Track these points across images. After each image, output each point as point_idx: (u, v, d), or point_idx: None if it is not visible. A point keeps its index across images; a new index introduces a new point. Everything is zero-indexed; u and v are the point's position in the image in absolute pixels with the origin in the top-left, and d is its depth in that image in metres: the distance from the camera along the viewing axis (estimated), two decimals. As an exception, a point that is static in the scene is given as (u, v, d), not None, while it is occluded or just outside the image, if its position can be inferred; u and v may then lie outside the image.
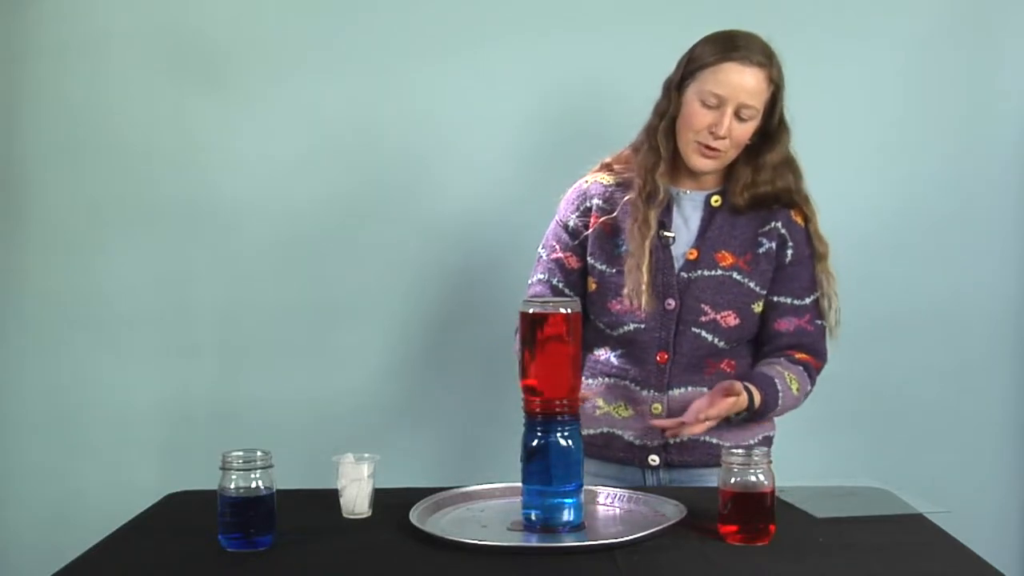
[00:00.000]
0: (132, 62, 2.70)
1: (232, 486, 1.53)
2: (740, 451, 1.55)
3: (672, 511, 1.65)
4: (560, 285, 2.08)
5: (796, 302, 2.03)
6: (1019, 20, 2.69)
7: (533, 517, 1.60)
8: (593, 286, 2.05)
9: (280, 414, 2.71)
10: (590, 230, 2.06)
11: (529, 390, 1.60)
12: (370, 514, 1.69)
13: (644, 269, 1.95)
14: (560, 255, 2.09)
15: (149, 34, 2.70)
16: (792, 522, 1.62)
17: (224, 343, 2.75)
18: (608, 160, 2.12)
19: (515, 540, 1.57)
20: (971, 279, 2.72)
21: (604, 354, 2.06)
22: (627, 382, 2.02)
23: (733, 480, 1.54)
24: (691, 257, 2.01)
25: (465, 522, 1.65)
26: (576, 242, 2.08)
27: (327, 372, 2.74)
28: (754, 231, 2.02)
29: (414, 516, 1.61)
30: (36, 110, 2.72)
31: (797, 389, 1.99)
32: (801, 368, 2.01)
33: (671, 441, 1.99)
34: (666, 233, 2.01)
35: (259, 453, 1.55)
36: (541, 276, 2.11)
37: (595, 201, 2.07)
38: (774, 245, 2.02)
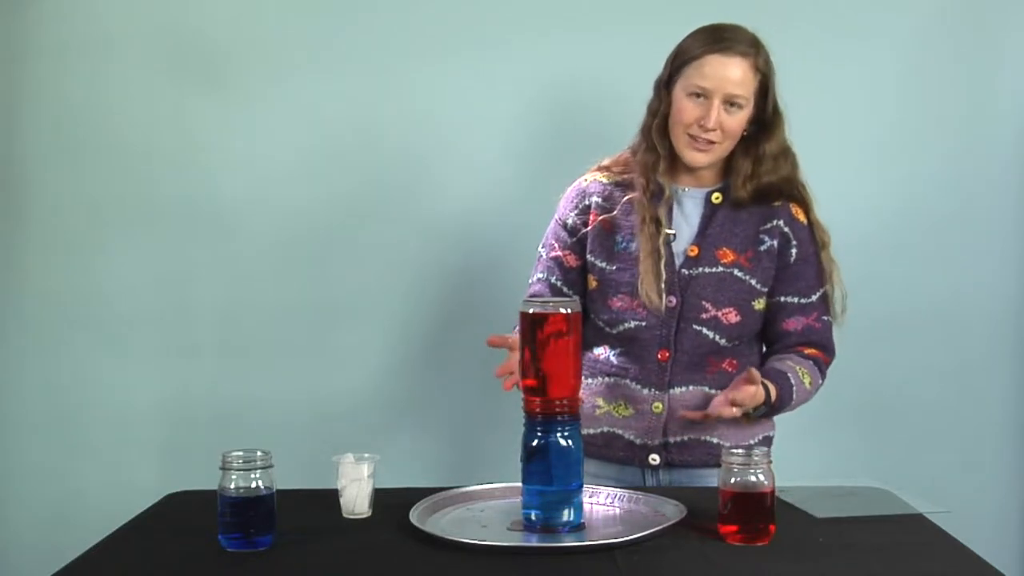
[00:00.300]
0: (132, 62, 2.70)
1: (232, 486, 1.53)
2: (740, 451, 1.55)
3: (672, 511, 1.65)
4: (559, 284, 2.08)
5: (803, 300, 2.03)
6: (1018, 19, 2.69)
7: (533, 517, 1.60)
8: (593, 284, 2.05)
9: (280, 414, 2.71)
10: (589, 228, 2.06)
11: (529, 390, 1.60)
12: (370, 514, 1.69)
13: (662, 269, 1.96)
14: (559, 254, 2.10)
15: (149, 34, 2.70)
16: (792, 522, 1.62)
17: (224, 343, 2.75)
18: (606, 163, 2.12)
19: (515, 540, 1.57)
20: (971, 279, 2.72)
21: (603, 353, 2.06)
22: (627, 381, 2.02)
23: (733, 480, 1.54)
24: (692, 254, 2.01)
25: (465, 522, 1.65)
26: (575, 240, 2.08)
27: (327, 372, 2.74)
28: (755, 228, 2.02)
29: (414, 516, 1.61)
30: (36, 110, 2.72)
31: (809, 383, 1.99)
32: (812, 363, 2.01)
33: (671, 440, 1.99)
34: (667, 231, 2.01)
35: (259, 453, 1.55)
36: (541, 275, 2.11)
37: (594, 199, 2.07)
38: (776, 243, 2.02)
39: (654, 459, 2.00)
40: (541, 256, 2.13)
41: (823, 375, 2.05)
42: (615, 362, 2.04)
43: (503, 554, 1.50)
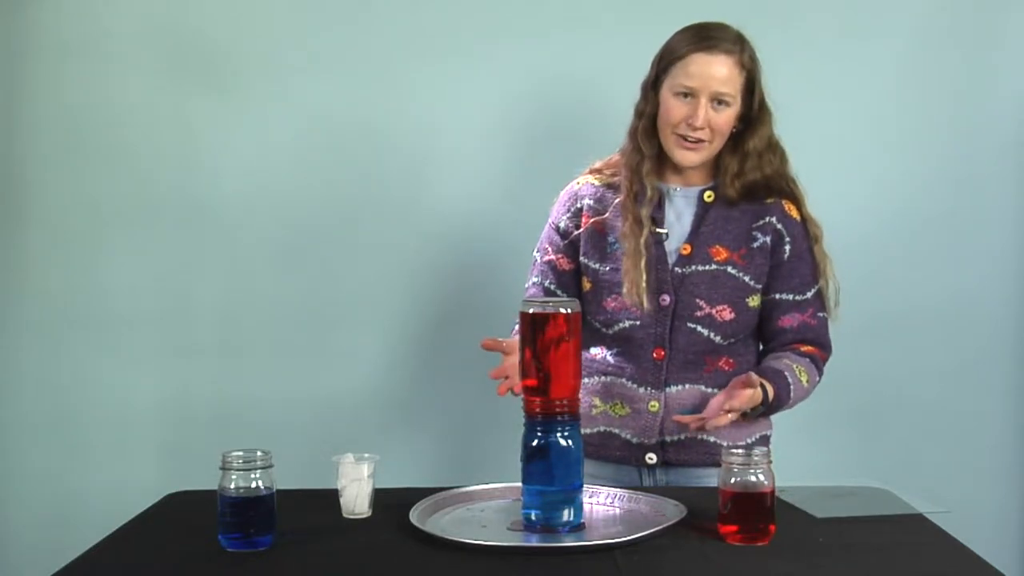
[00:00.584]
0: (132, 62, 2.70)
1: (232, 486, 1.53)
2: (740, 451, 1.55)
3: (672, 511, 1.65)
4: (553, 287, 2.09)
5: (798, 297, 2.03)
6: (1018, 18, 2.69)
7: (533, 517, 1.60)
8: (588, 285, 2.06)
9: (280, 414, 2.71)
10: (581, 230, 2.06)
11: (529, 390, 1.61)
12: (370, 514, 1.69)
13: (642, 267, 1.96)
14: (552, 257, 2.10)
15: (149, 34, 2.70)
16: (792, 522, 1.62)
17: (224, 343, 2.75)
18: (598, 165, 2.13)
19: (515, 540, 1.57)
20: (971, 278, 2.72)
21: (600, 353, 2.06)
22: (623, 380, 2.02)
23: (733, 480, 1.54)
24: (685, 252, 2.01)
25: (465, 522, 1.65)
26: (567, 243, 2.09)
27: (327, 372, 2.74)
28: (748, 225, 2.02)
29: (414, 516, 1.61)
30: (36, 110, 2.72)
31: (807, 380, 1.99)
32: (808, 360, 2.01)
33: (668, 439, 1.99)
34: (659, 230, 2.01)
35: (259, 453, 1.55)
36: (535, 279, 2.12)
37: (586, 201, 2.08)
38: (769, 240, 2.02)
39: (651, 458, 2.00)
40: (536, 260, 2.14)
41: (820, 372, 2.05)
42: (611, 361, 2.04)
43: (503, 554, 1.50)
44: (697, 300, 1.98)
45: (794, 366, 1.98)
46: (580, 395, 1.64)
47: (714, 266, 2.00)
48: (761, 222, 2.02)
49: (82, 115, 2.71)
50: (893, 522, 1.66)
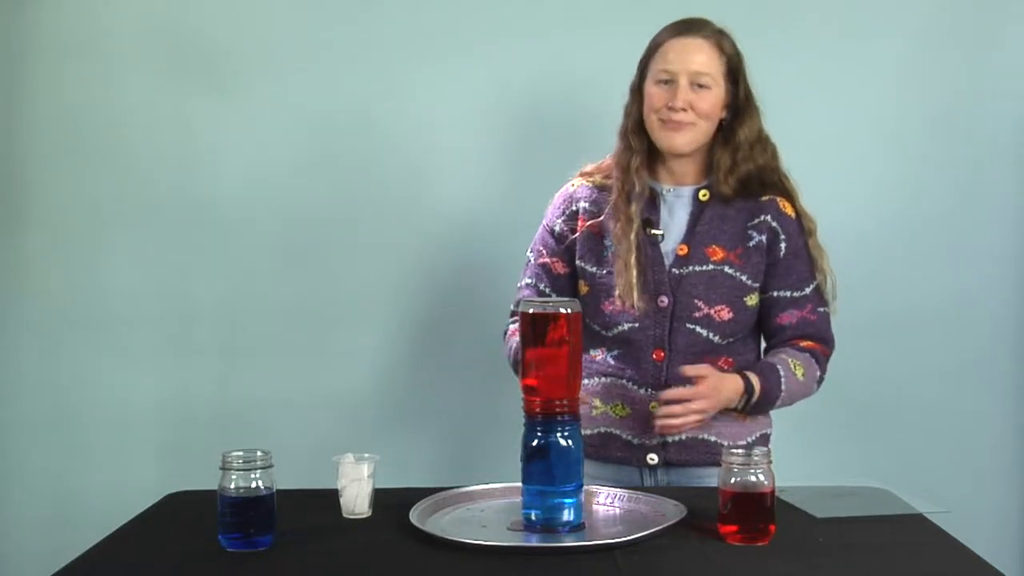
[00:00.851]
0: (132, 62, 2.70)
1: (232, 486, 1.53)
2: (740, 451, 1.55)
3: (672, 511, 1.64)
4: (547, 290, 2.09)
5: (796, 294, 2.03)
6: (1018, 18, 2.69)
7: (533, 517, 1.60)
8: (585, 289, 2.06)
9: (280, 414, 2.71)
10: (577, 233, 2.06)
11: (529, 390, 1.61)
12: (370, 514, 1.69)
13: (632, 265, 1.96)
14: (547, 260, 2.10)
15: (149, 34, 2.70)
16: (792, 522, 1.62)
17: (224, 343, 2.75)
18: (589, 169, 2.14)
19: (515, 540, 1.57)
20: (971, 278, 2.72)
21: (600, 355, 2.06)
22: (624, 381, 2.02)
23: (733, 480, 1.54)
24: (681, 253, 2.01)
25: (465, 522, 1.65)
26: (562, 247, 2.09)
27: (327, 372, 2.74)
28: (743, 224, 2.02)
29: (414, 516, 1.61)
30: (36, 110, 2.72)
31: (803, 375, 1.99)
32: (808, 355, 2.02)
33: (670, 439, 1.99)
34: (654, 231, 2.01)
35: (259, 453, 1.55)
36: (528, 281, 2.12)
37: (582, 204, 2.08)
38: (765, 238, 2.02)
39: (652, 458, 2.00)
40: (529, 261, 2.14)
41: (822, 366, 2.04)
42: (611, 363, 2.04)
43: (503, 554, 1.50)
44: (695, 301, 1.98)
45: (789, 360, 1.98)
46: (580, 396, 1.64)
47: (711, 266, 2.00)
48: (756, 220, 2.02)
49: (82, 115, 2.71)
50: (893, 522, 1.66)
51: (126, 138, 2.72)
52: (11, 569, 2.74)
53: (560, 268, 2.09)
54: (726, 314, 1.99)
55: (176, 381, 2.74)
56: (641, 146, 2.03)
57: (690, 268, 2.00)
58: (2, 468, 2.76)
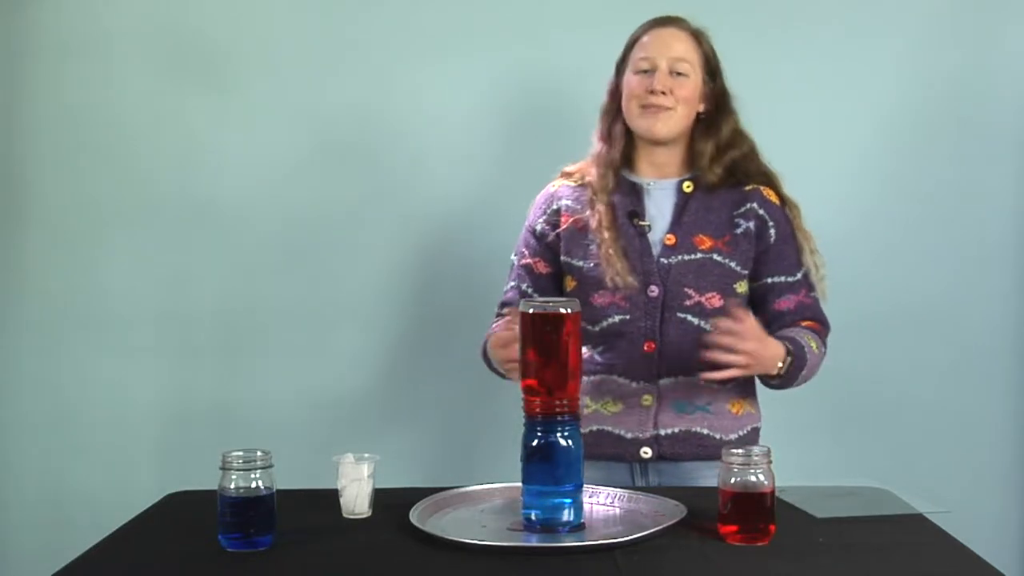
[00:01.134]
0: (132, 62, 2.70)
1: (232, 486, 1.53)
2: (740, 451, 1.55)
3: (672, 511, 1.64)
4: (529, 291, 2.10)
5: (790, 279, 2.04)
6: (1018, 17, 2.69)
7: (533, 517, 1.60)
8: (572, 284, 2.06)
9: (280, 414, 2.71)
10: (561, 229, 2.07)
11: (529, 390, 1.61)
12: (370, 514, 1.69)
13: (619, 251, 1.97)
14: (529, 261, 2.11)
15: (149, 34, 2.71)
16: (792, 522, 1.62)
17: (224, 343, 2.75)
18: (570, 170, 2.15)
19: (515, 540, 1.56)
20: (971, 278, 2.72)
21: (586, 353, 2.05)
22: (614, 376, 2.02)
23: (733, 480, 1.54)
24: (669, 243, 2.01)
25: (465, 522, 1.65)
26: (544, 247, 2.10)
27: (327, 372, 2.74)
28: (729, 213, 2.03)
29: (414, 516, 1.61)
30: (36, 110, 2.72)
31: (816, 348, 2.00)
32: (814, 333, 2.02)
33: (663, 432, 1.99)
34: (641, 222, 2.02)
35: (259, 453, 1.55)
36: (512, 283, 2.13)
37: (564, 202, 2.09)
38: (752, 225, 2.03)
39: (646, 452, 2.00)
40: (513, 264, 2.15)
41: (825, 345, 2.05)
42: (600, 360, 2.04)
43: (503, 554, 1.50)
44: (685, 289, 1.99)
45: (803, 334, 1.99)
46: None
47: (700, 255, 2.00)
48: (742, 209, 2.03)
49: (82, 115, 2.71)
50: (893, 522, 1.66)
51: (126, 138, 2.72)
52: (11, 569, 2.74)
53: (542, 268, 2.10)
54: (717, 301, 1.99)
55: (176, 381, 2.75)
56: (620, 144, 2.06)
57: (679, 257, 2.00)
58: (2, 468, 2.76)
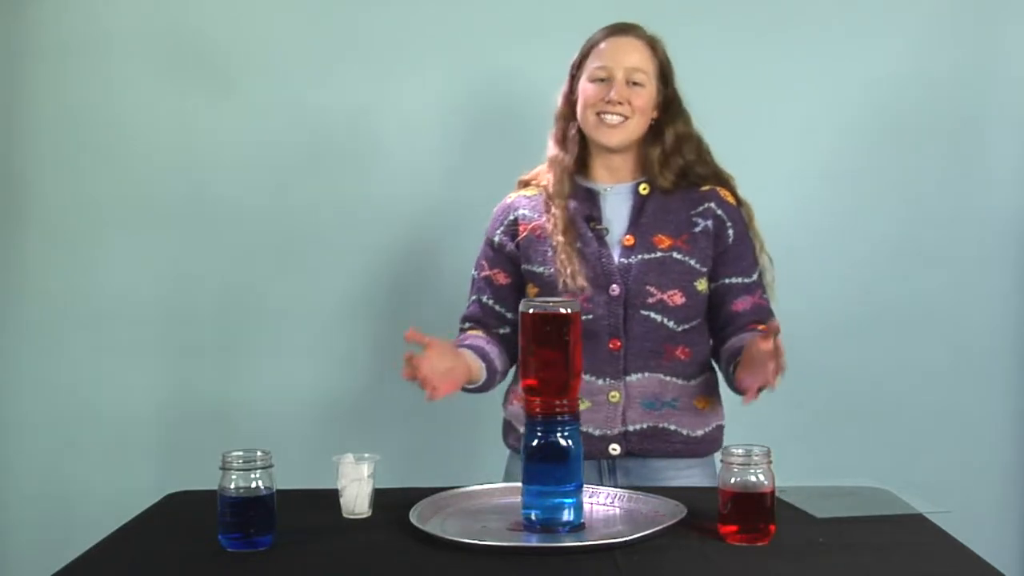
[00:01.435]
0: (132, 62, 2.70)
1: (232, 486, 1.53)
2: (740, 451, 1.55)
3: (672, 511, 1.64)
4: (490, 303, 2.10)
5: (746, 280, 2.05)
6: (1018, 17, 2.69)
7: (533, 517, 1.60)
8: (534, 291, 2.06)
9: (280, 414, 2.71)
10: (520, 238, 2.07)
11: (529, 390, 1.61)
12: (370, 514, 1.69)
13: (573, 254, 1.97)
14: (488, 273, 2.12)
15: (149, 34, 2.71)
16: (792, 522, 1.63)
17: (224, 343, 2.75)
18: (525, 177, 2.16)
19: (515, 540, 1.57)
20: (971, 278, 2.72)
21: None
22: (582, 374, 2.02)
23: (733, 480, 1.54)
24: (628, 243, 2.02)
25: (465, 522, 1.65)
26: (503, 257, 2.10)
27: (327, 372, 2.74)
28: (687, 213, 2.04)
29: (414, 516, 1.61)
30: (36, 110, 2.72)
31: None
32: None
33: (631, 428, 1.99)
34: (598, 226, 2.03)
35: (259, 453, 1.55)
36: (473, 296, 2.14)
37: (520, 212, 2.10)
38: (711, 224, 2.03)
39: (614, 449, 2.00)
40: (474, 277, 2.15)
41: None
42: None
43: (503, 554, 1.50)
44: (647, 287, 1.99)
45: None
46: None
47: (659, 253, 2.01)
48: (700, 208, 2.04)
49: (82, 115, 2.71)
50: (893, 522, 1.66)
51: (126, 138, 2.72)
52: (11, 568, 2.74)
53: (502, 279, 2.10)
54: (679, 299, 1.99)
55: (176, 381, 2.75)
56: (574, 149, 2.07)
57: (639, 256, 2.00)
58: (2, 468, 2.76)
